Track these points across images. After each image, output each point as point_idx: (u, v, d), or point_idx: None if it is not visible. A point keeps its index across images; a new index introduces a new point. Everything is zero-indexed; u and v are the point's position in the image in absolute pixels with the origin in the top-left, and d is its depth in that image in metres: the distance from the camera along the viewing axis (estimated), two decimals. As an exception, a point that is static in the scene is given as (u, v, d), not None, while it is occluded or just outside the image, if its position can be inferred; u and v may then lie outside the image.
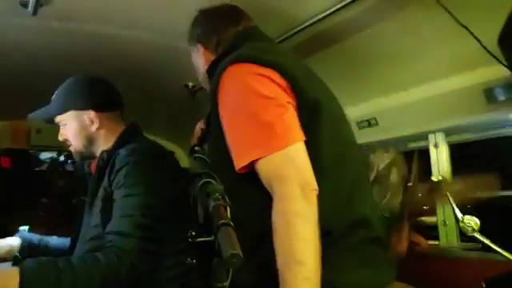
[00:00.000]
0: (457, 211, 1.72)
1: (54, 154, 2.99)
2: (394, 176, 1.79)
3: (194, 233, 0.79)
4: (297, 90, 0.94)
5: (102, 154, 1.35)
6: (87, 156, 1.43)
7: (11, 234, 1.49)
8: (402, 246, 1.86)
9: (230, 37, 1.16)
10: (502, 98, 1.62)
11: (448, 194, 1.66)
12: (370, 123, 2.14)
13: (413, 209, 1.82)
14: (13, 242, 1.45)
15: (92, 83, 1.43)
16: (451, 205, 1.66)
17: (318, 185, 0.86)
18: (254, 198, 0.90)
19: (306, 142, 0.89)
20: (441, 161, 2.02)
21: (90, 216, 1.32)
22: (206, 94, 1.14)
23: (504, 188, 1.85)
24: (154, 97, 2.41)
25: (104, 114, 1.40)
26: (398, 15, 1.50)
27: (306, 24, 1.57)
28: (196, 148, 1.05)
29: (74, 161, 1.70)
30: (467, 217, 1.67)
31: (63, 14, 1.52)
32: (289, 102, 0.92)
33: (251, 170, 0.89)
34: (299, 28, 1.60)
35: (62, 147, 1.47)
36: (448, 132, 2.00)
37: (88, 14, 1.55)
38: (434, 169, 2.04)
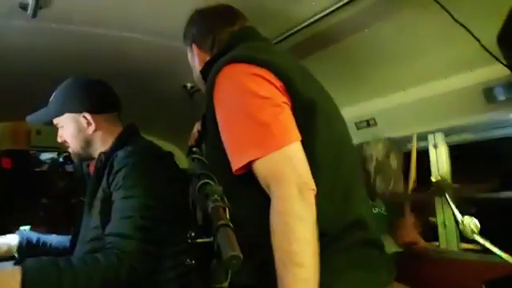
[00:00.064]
0: (456, 213, 1.72)
1: (54, 155, 2.99)
2: (394, 162, 1.80)
3: (193, 234, 0.79)
4: (292, 90, 0.93)
5: (100, 155, 1.35)
6: (85, 157, 1.44)
7: (11, 233, 1.50)
8: (409, 235, 1.86)
9: (226, 37, 1.16)
10: (501, 97, 1.61)
11: (447, 195, 1.66)
12: (368, 123, 2.13)
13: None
14: (11, 240, 1.45)
15: (88, 85, 1.43)
16: (450, 207, 1.66)
17: (315, 185, 0.85)
18: (252, 198, 0.90)
19: (302, 142, 0.89)
20: (440, 161, 2.02)
21: (89, 217, 1.32)
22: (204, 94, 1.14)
23: (504, 189, 1.85)
24: (152, 97, 2.41)
25: (101, 116, 1.40)
26: (396, 15, 1.50)
27: (304, 24, 1.56)
28: (194, 149, 1.05)
29: (72, 162, 1.70)
30: (467, 219, 1.67)
31: (62, 16, 1.52)
32: (284, 102, 0.92)
33: (248, 171, 0.88)
34: (297, 28, 1.60)
35: (62, 148, 1.47)
36: (447, 132, 2.00)
37: (87, 15, 1.55)
38: (433, 169, 2.04)
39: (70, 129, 1.39)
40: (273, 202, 0.83)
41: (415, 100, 1.89)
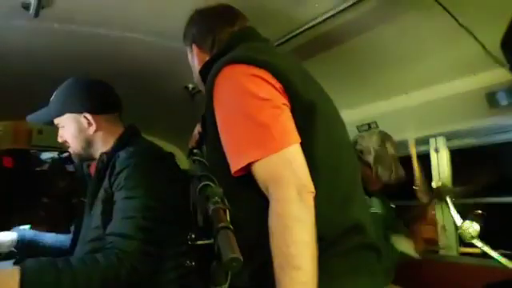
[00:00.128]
0: (456, 218, 1.71)
1: (55, 154, 3.00)
2: (391, 149, 1.81)
3: (193, 236, 0.79)
4: (291, 92, 0.93)
5: (101, 156, 1.35)
6: (86, 158, 1.44)
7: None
8: (428, 231, 1.87)
9: (226, 37, 1.15)
10: (504, 102, 1.60)
11: (448, 199, 1.66)
12: (370, 127, 2.13)
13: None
14: (8, 236, 1.45)
15: (89, 85, 1.42)
16: (450, 211, 1.66)
17: (314, 187, 0.85)
18: (252, 200, 0.90)
19: (301, 144, 0.88)
20: (441, 165, 2.02)
21: (89, 217, 1.32)
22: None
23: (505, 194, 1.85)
24: (153, 98, 2.41)
25: (102, 117, 1.40)
26: (399, 18, 1.50)
27: (307, 26, 1.56)
28: (195, 151, 1.05)
29: (73, 162, 1.70)
30: (466, 223, 1.66)
31: (64, 16, 1.52)
32: (284, 104, 0.91)
33: (248, 173, 0.88)
34: (299, 30, 1.60)
35: (63, 148, 1.47)
36: (449, 136, 1.99)
37: (88, 16, 1.55)
38: (434, 173, 2.03)
39: (71, 129, 1.38)
40: (271, 204, 0.83)
41: (417, 103, 1.89)
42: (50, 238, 1.56)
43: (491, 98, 1.63)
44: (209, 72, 1.01)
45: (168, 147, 2.87)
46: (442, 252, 1.99)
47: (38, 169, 2.99)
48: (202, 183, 0.81)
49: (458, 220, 1.80)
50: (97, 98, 1.41)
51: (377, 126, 2.09)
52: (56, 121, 1.41)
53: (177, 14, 1.34)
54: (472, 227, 1.66)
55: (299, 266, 0.77)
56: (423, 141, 2.05)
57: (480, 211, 1.72)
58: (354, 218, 0.94)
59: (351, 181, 1.00)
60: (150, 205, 1.19)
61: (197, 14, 1.25)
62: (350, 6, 1.42)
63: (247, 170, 0.88)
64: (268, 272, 0.81)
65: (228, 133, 0.92)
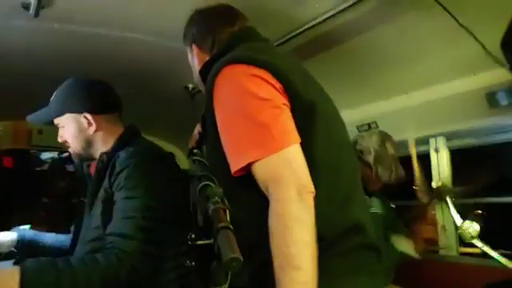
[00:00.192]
0: (456, 218, 1.71)
1: (55, 154, 3.00)
2: (391, 149, 1.81)
3: (193, 236, 0.79)
4: (291, 92, 0.93)
5: (101, 156, 1.35)
6: (86, 158, 1.44)
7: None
8: (428, 231, 1.87)
9: (226, 37, 1.15)
10: (504, 102, 1.60)
11: (448, 199, 1.66)
12: (370, 127, 2.13)
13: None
14: (8, 236, 1.45)
15: (89, 85, 1.42)
16: (450, 211, 1.66)
17: (314, 187, 0.85)
18: (252, 200, 0.89)
19: (301, 144, 0.88)
20: (441, 165, 2.01)
21: (89, 217, 1.32)
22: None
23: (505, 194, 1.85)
24: (153, 98, 2.41)
25: (102, 117, 1.40)
26: (399, 18, 1.50)
27: (307, 26, 1.56)
28: (195, 151, 1.05)
29: (73, 162, 1.70)
30: (466, 223, 1.66)
31: (64, 16, 1.52)
32: (284, 104, 0.91)
33: (248, 173, 0.88)
34: (299, 30, 1.60)
35: (63, 148, 1.47)
36: (449, 137, 1.99)
37: (88, 16, 1.55)
38: (434, 173, 2.03)
39: (71, 129, 1.38)
40: (271, 204, 0.83)
41: (417, 103, 1.89)
42: (50, 238, 1.56)
43: (491, 98, 1.63)
44: (209, 72, 1.00)
45: (168, 147, 2.87)
46: (442, 252, 1.99)
47: (38, 169, 2.99)
48: (202, 183, 0.81)
49: (458, 220, 1.81)
50: (97, 97, 1.41)
51: (377, 126, 2.09)
52: (56, 121, 1.41)
53: (177, 14, 1.34)
54: (472, 227, 1.66)
55: (299, 265, 0.77)
56: (423, 141, 2.05)
57: (480, 211, 1.73)
58: (354, 218, 0.93)
59: (351, 181, 1.00)
60: (150, 205, 1.19)
61: (197, 14, 1.25)
62: (350, 5, 1.42)
63: (247, 170, 0.87)
64: (268, 272, 0.81)
65: (228, 133, 0.92)
